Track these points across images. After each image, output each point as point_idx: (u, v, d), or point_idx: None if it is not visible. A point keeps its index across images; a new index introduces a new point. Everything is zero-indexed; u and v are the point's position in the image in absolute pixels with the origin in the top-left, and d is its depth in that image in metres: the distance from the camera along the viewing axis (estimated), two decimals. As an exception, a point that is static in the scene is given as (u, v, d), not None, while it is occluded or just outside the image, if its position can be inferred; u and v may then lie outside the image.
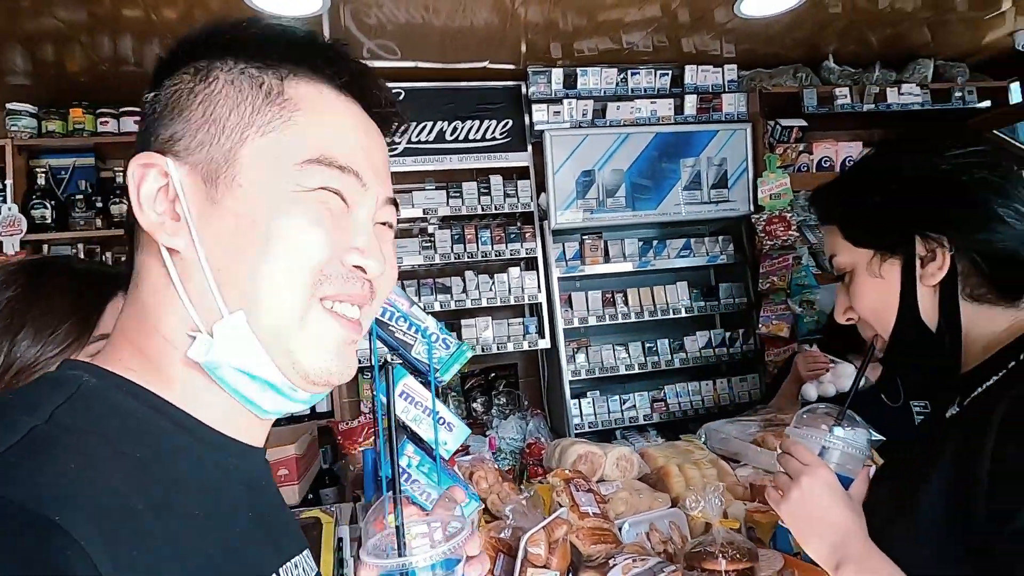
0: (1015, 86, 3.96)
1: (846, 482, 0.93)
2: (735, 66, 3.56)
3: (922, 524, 0.81)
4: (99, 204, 3.14)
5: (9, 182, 3.03)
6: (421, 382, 1.20)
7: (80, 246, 3.11)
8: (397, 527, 0.66)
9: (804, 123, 3.59)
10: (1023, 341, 0.82)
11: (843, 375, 2.18)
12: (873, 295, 0.93)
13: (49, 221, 3.03)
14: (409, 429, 1.21)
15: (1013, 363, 0.80)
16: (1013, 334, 0.84)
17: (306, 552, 0.62)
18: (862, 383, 1.04)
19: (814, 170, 3.64)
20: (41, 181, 3.07)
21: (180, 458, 0.51)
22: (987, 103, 3.76)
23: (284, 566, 0.56)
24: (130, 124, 3.18)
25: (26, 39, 2.72)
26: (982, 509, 0.74)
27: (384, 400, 1.18)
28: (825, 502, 0.89)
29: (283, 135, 0.55)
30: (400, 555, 0.64)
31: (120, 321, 0.57)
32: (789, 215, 3.41)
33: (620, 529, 1.60)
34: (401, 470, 1.20)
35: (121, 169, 3.24)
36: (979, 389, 0.83)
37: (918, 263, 0.88)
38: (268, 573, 0.54)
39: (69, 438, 0.46)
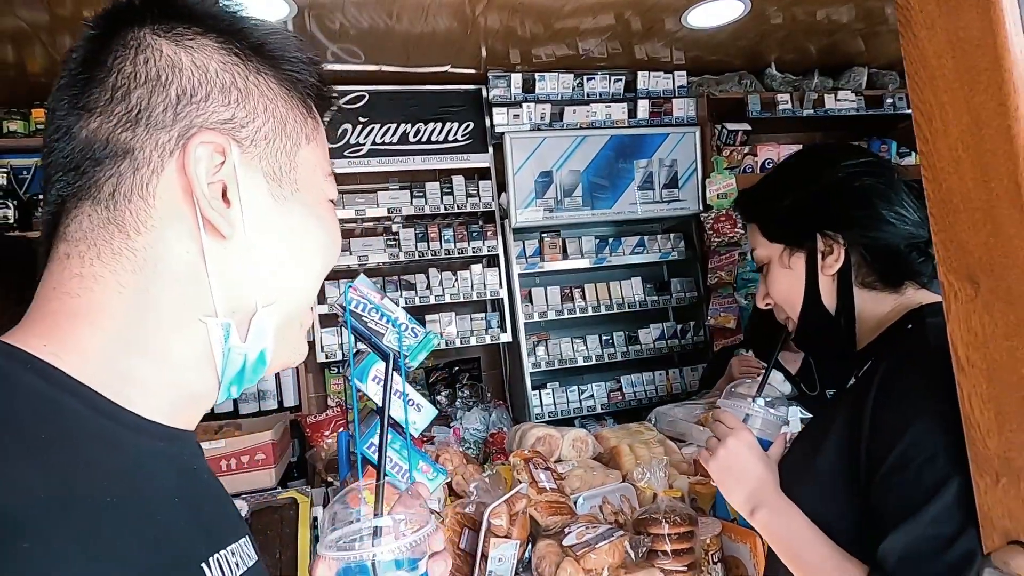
0: (941, 93, 4.25)
1: (766, 444, 1.09)
2: (684, 72, 3.75)
3: (820, 475, 0.97)
4: (62, 204, 3.15)
5: (-30, 182, 3.03)
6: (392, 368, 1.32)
7: (43, 246, 3.11)
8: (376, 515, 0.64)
9: (749, 127, 3.80)
10: (903, 321, 0.99)
11: (772, 381, 2.39)
12: (784, 283, 1.09)
13: (12, 221, 3.03)
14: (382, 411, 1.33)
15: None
16: (898, 314, 1.01)
17: (245, 539, 0.59)
18: (788, 390, 1.20)
19: (758, 171, 3.86)
20: (3, 181, 3.08)
21: (93, 442, 0.47)
22: (916, 109, 4.04)
23: (218, 553, 0.53)
24: (93, 124, 3.19)
25: (-13, 39, 2.73)
26: (864, 460, 0.90)
27: (359, 385, 1.29)
28: (744, 458, 1.04)
29: (317, 147, 0.59)
30: (372, 546, 0.61)
31: (49, 302, 0.51)
32: (735, 214, 3.61)
33: (575, 503, 1.74)
34: (375, 446, 1.32)
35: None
36: (870, 362, 1.00)
37: (819, 256, 1.04)
38: (199, 561, 0.50)
39: None
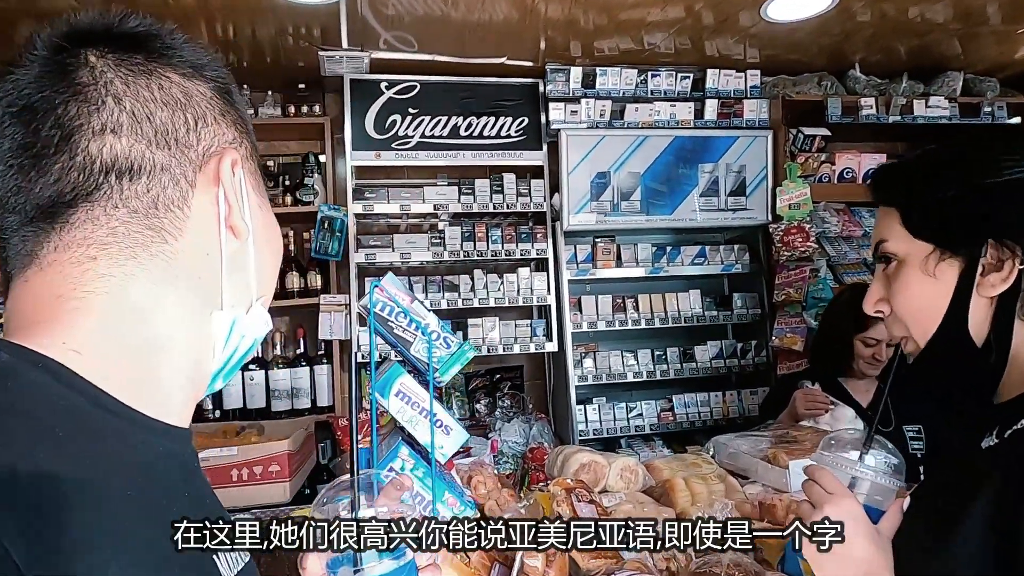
0: (1046, 103, 3.85)
1: (876, 514, 0.87)
2: (758, 72, 3.48)
3: (959, 563, 0.75)
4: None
5: None
6: (419, 382, 1.14)
7: None
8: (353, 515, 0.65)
9: (827, 132, 3.50)
10: None
11: (841, 419, 2.09)
12: (919, 293, 0.85)
13: None
14: (405, 431, 1.16)
15: None
16: None
17: None
18: (860, 431, 0.98)
19: (835, 181, 3.55)
20: None
21: (108, 438, 0.49)
22: (1017, 119, 3.66)
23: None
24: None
25: None
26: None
27: (379, 400, 1.12)
28: (848, 534, 0.82)
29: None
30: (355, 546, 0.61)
31: (68, 301, 0.53)
32: (808, 226, 3.32)
33: (622, 544, 1.53)
34: (395, 473, 1.14)
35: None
36: (1022, 422, 0.76)
37: (979, 268, 0.81)
38: (211, 553, 0.53)
39: None
